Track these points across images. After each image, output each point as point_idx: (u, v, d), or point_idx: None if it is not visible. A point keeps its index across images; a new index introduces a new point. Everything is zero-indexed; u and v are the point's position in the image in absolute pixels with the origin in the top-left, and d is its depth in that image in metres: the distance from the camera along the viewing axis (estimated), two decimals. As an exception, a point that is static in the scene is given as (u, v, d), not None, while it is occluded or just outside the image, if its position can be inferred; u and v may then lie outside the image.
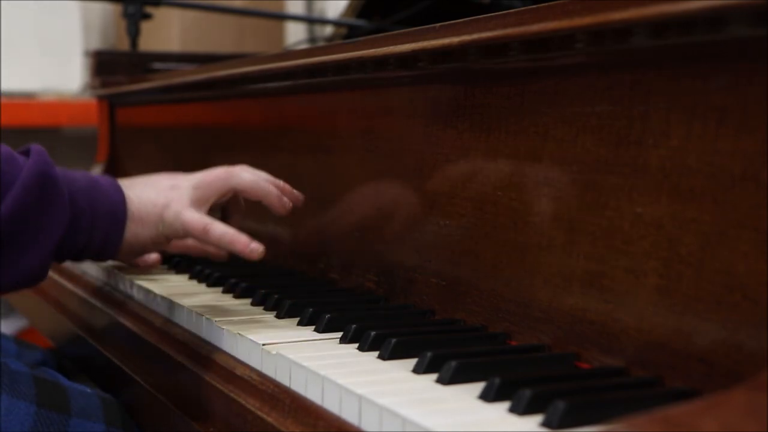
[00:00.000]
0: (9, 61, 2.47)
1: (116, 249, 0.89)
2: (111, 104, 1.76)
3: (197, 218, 0.88)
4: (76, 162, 2.01)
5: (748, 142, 0.59)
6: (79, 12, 2.66)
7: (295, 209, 0.98)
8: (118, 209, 0.87)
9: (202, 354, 0.87)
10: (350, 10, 1.64)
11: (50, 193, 0.81)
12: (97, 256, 0.90)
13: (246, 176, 0.91)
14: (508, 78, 0.80)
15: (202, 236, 0.88)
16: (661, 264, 0.65)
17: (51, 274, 1.39)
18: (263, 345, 0.78)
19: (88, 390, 0.98)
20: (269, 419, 0.71)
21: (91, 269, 1.27)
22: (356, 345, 0.77)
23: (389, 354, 0.73)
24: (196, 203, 0.89)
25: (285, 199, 0.91)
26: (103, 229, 0.87)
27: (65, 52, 2.61)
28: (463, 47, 0.80)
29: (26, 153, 0.83)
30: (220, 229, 0.87)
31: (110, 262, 1.13)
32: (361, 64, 0.95)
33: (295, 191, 0.96)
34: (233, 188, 0.92)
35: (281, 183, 0.94)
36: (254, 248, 0.86)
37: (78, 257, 0.90)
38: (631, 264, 0.67)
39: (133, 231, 0.88)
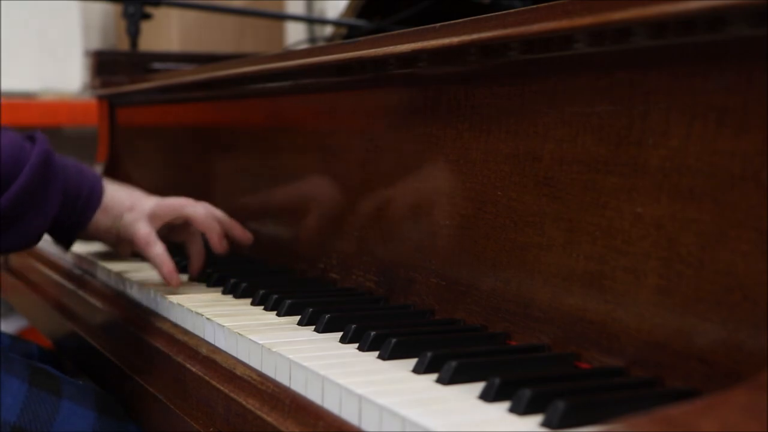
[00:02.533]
0: (9, 61, 2.47)
1: (82, 228, 1.02)
2: (111, 104, 1.76)
3: (145, 231, 1.01)
4: (76, 162, 2.02)
5: (748, 142, 0.59)
6: (79, 12, 2.66)
7: (295, 208, 0.99)
8: (95, 195, 1.00)
9: (202, 353, 0.87)
10: (350, 10, 1.64)
11: (51, 176, 0.94)
12: (65, 233, 1.02)
13: (199, 210, 1.05)
14: (508, 78, 0.80)
15: (143, 248, 1.01)
16: (661, 264, 0.65)
17: (50, 274, 1.39)
18: (263, 345, 0.78)
19: (81, 382, 1.00)
20: (269, 419, 0.71)
21: (91, 267, 1.27)
22: (356, 345, 0.77)
23: (389, 354, 0.73)
24: (152, 217, 1.03)
25: (224, 240, 1.06)
26: (80, 209, 0.99)
27: (65, 52, 2.61)
28: (463, 47, 0.80)
29: (31, 138, 0.95)
30: (157, 249, 1.01)
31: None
32: (361, 64, 0.95)
33: (246, 231, 1.09)
34: (186, 216, 1.05)
35: (230, 222, 1.08)
36: (174, 278, 1.00)
37: (54, 231, 1.01)
38: (631, 264, 0.67)
39: (97, 218, 1.01)
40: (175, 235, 1.09)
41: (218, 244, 1.05)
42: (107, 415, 0.97)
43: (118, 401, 1.01)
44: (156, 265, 1.00)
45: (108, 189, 1.02)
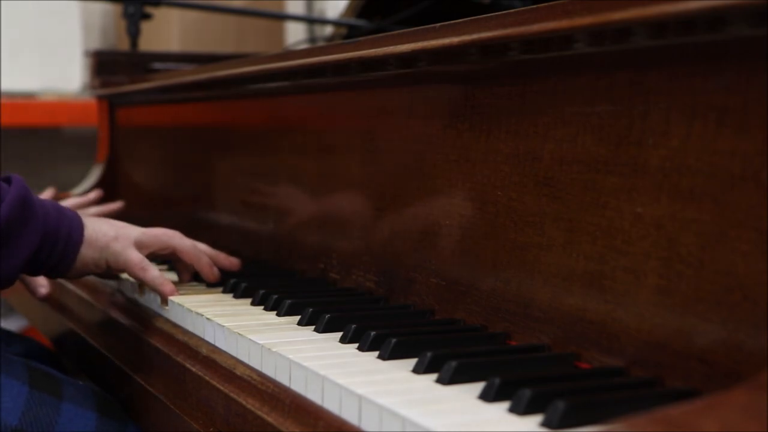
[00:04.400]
0: (9, 61, 2.47)
1: (69, 267, 1.00)
2: (111, 104, 1.76)
3: (138, 257, 1.01)
4: (76, 162, 2.01)
5: (748, 142, 0.59)
6: (79, 12, 2.65)
7: (295, 208, 0.98)
8: (75, 233, 0.99)
9: (202, 353, 0.87)
10: (350, 10, 1.64)
11: (28, 215, 0.93)
12: (52, 272, 1.00)
13: (186, 242, 1.06)
14: (508, 78, 0.80)
15: (138, 273, 1.01)
16: (661, 264, 0.65)
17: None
18: (263, 345, 0.78)
19: (81, 383, 1.00)
20: (269, 419, 0.71)
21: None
22: (356, 345, 0.77)
23: (389, 354, 0.73)
24: (139, 245, 1.02)
25: (215, 268, 1.06)
26: (62, 249, 0.98)
27: (65, 52, 2.61)
28: (463, 47, 0.80)
29: (7, 180, 0.94)
30: (154, 272, 1.01)
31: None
32: (361, 64, 0.95)
33: (231, 258, 1.09)
34: (173, 247, 1.05)
35: (215, 252, 1.08)
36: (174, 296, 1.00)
37: (37, 271, 1.00)
38: (631, 264, 0.67)
39: (83, 253, 1.00)
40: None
41: (209, 273, 1.05)
42: (108, 416, 0.97)
43: (117, 401, 1.01)
44: (154, 287, 1.00)
45: (88, 223, 1.01)
